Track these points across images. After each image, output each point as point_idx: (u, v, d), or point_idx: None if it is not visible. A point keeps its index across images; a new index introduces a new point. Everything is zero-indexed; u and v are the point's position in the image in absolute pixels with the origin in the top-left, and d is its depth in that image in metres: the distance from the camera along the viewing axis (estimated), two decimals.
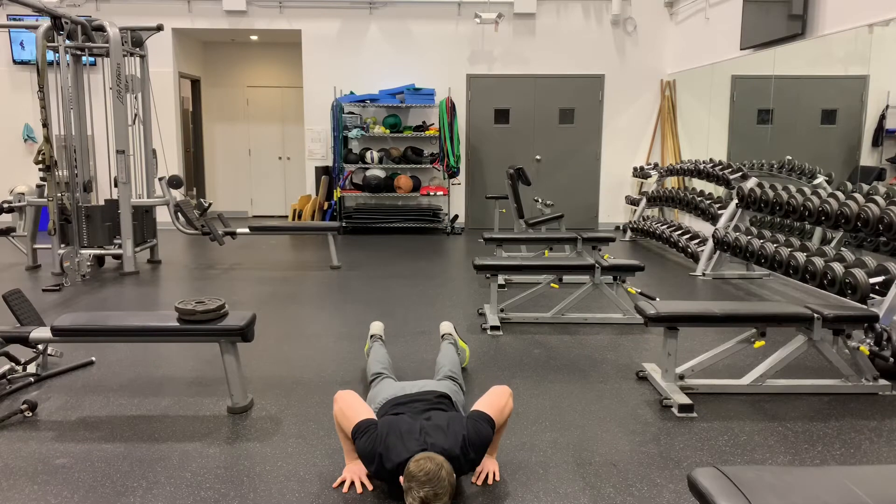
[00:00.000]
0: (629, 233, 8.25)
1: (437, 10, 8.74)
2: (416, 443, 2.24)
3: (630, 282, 4.65)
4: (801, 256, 4.55)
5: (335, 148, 8.55)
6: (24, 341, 3.17)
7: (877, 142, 5.11)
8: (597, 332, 4.37)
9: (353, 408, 2.43)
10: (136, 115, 6.36)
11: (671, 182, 8.39)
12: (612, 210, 9.19)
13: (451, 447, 2.25)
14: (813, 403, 3.21)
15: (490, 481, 2.43)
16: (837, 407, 3.18)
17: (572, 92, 8.96)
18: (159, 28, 6.30)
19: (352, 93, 8.74)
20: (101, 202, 6.53)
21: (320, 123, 8.94)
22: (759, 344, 3.29)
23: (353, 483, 2.41)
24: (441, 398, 2.63)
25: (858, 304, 3.82)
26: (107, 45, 5.78)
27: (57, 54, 5.72)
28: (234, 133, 10.49)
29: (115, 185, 5.96)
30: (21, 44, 8.58)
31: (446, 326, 3.75)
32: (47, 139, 5.47)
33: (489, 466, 2.47)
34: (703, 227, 6.75)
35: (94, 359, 3.67)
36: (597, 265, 4.52)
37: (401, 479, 2.18)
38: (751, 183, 5.82)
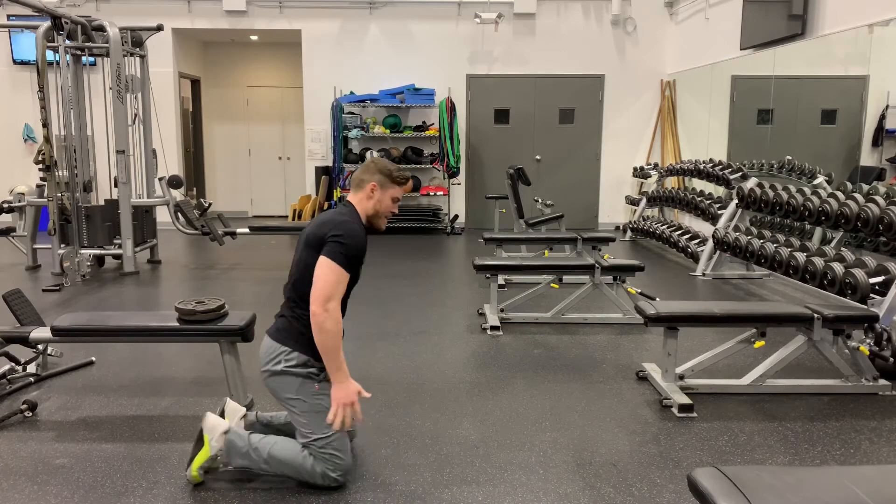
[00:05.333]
0: (629, 233, 8.25)
1: (437, 10, 8.74)
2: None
3: (630, 282, 4.65)
4: (801, 256, 4.55)
5: (335, 148, 8.54)
6: (24, 341, 3.17)
7: (877, 142, 5.11)
8: (597, 332, 4.37)
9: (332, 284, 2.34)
10: (136, 115, 6.36)
11: (671, 182, 8.39)
12: (612, 210, 9.18)
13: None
14: (813, 403, 3.21)
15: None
16: (837, 407, 3.18)
17: (572, 92, 8.96)
18: (159, 28, 6.30)
19: (352, 93, 8.74)
20: (101, 202, 6.53)
21: (320, 123, 8.93)
22: (759, 344, 3.29)
23: (345, 413, 2.32)
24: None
25: (858, 304, 3.82)
26: (107, 45, 5.78)
27: (57, 54, 5.72)
28: (234, 133, 10.49)
29: (115, 185, 5.96)
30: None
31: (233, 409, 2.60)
32: (47, 139, 5.47)
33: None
34: (703, 227, 6.75)
35: (94, 359, 3.67)
36: (597, 265, 4.52)
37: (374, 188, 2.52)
38: (751, 183, 5.82)
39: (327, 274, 2.33)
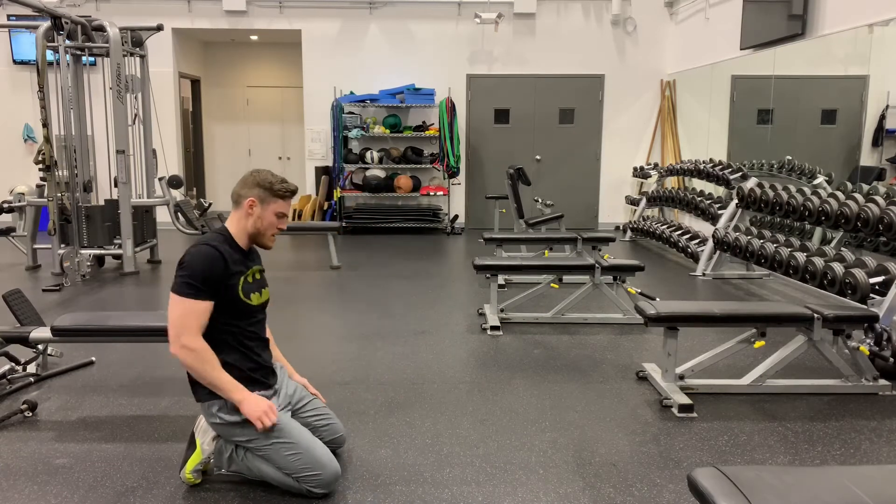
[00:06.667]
0: (629, 233, 8.25)
1: (437, 10, 8.74)
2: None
3: (630, 282, 4.65)
4: (801, 256, 4.55)
5: (335, 148, 8.54)
6: (24, 341, 3.17)
7: (877, 142, 5.11)
8: (597, 332, 4.37)
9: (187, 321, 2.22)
10: (136, 115, 6.36)
11: (671, 182, 8.39)
12: (612, 210, 9.18)
13: None
14: (813, 403, 3.21)
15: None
16: (837, 407, 3.18)
17: (572, 92, 8.96)
18: (159, 28, 6.30)
19: (352, 93, 8.74)
20: (101, 202, 6.53)
21: (320, 123, 8.93)
22: (759, 344, 3.29)
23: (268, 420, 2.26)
24: None
25: (858, 304, 3.82)
26: (107, 45, 5.78)
27: (57, 54, 5.72)
28: (234, 133, 10.49)
29: (115, 185, 5.96)
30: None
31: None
32: (47, 139, 5.47)
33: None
34: (703, 227, 6.75)
35: (94, 359, 3.67)
36: (597, 265, 4.52)
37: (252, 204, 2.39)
38: (751, 183, 5.82)
39: (172, 309, 2.23)
